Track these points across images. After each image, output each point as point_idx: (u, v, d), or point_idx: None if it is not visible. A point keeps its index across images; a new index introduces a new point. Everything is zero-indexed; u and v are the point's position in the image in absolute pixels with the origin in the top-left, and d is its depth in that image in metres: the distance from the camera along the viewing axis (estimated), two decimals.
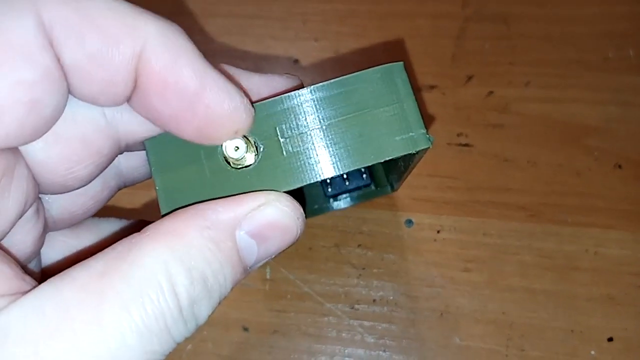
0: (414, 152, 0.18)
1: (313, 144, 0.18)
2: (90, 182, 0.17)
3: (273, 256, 0.17)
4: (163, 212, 0.17)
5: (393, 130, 0.18)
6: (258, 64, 0.37)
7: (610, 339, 0.29)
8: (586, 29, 0.36)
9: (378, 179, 0.32)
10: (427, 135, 0.18)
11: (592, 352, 0.29)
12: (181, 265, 0.14)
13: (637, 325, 0.30)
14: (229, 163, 0.17)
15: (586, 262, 0.31)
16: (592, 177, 0.33)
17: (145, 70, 0.15)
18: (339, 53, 0.37)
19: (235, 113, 0.16)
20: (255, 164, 0.17)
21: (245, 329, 0.30)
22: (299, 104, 0.18)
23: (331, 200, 0.32)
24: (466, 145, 0.34)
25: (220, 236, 0.15)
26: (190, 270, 0.14)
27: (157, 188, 0.17)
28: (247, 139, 0.17)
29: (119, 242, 0.14)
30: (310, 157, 0.18)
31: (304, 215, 0.17)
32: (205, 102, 0.15)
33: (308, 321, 0.30)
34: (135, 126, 0.17)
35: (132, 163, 0.19)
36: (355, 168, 0.17)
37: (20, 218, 0.15)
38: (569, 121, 0.35)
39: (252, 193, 0.16)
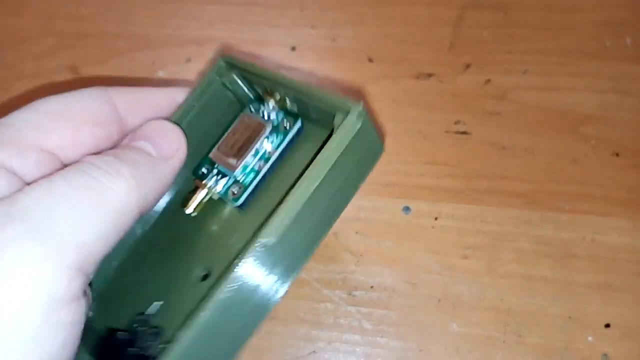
0: None
1: None
2: None
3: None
4: None
5: None
6: (255, 51, 0.37)
7: (607, 325, 0.29)
8: (584, 18, 0.36)
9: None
10: None
11: (590, 339, 0.29)
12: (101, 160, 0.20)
13: (635, 311, 0.30)
14: None
15: (584, 249, 0.31)
16: (589, 165, 0.33)
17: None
18: (336, 40, 0.37)
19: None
20: None
21: None
22: None
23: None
24: (464, 133, 0.34)
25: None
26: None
27: None
28: None
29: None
30: None
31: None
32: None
33: (305, 307, 0.30)
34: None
35: None
36: None
37: None
38: (567, 109, 0.35)
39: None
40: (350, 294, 0.30)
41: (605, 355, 0.29)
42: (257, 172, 0.25)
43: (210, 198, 0.26)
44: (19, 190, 0.18)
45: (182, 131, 0.24)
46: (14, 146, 0.20)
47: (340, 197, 0.23)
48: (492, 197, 0.32)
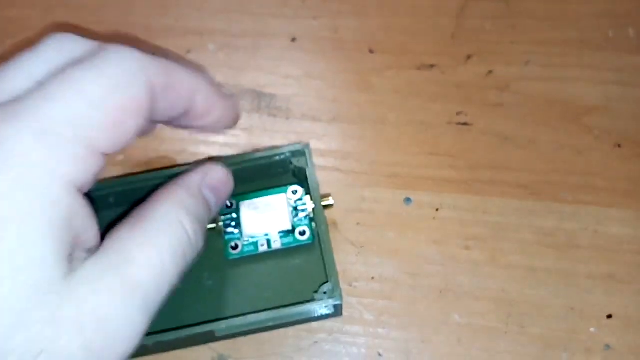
0: None
1: None
2: None
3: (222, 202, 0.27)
4: None
5: None
6: (256, 42, 0.37)
7: (609, 316, 0.29)
8: (587, 8, 0.36)
9: None
10: None
11: (592, 329, 0.29)
12: (185, 211, 0.22)
13: (637, 302, 0.29)
14: None
15: (587, 240, 0.31)
16: (592, 156, 0.33)
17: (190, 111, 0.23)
18: (338, 32, 0.37)
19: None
20: None
21: None
22: None
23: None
24: (466, 124, 0.34)
25: (196, 194, 0.24)
26: (191, 214, 0.22)
27: None
28: None
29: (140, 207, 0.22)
30: None
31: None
32: (225, 117, 0.24)
33: None
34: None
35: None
36: None
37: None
38: (570, 100, 0.34)
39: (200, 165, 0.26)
40: (351, 285, 0.30)
41: (607, 346, 0.29)
42: (257, 249, 0.30)
43: (215, 229, 0.30)
44: None
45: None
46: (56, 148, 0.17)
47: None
48: (495, 188, 0.32)
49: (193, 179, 0.24)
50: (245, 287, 0.29)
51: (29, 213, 0.16)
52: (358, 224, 0.32)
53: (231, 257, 0.30)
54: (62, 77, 0.18)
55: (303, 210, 0.30)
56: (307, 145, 0.30)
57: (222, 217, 0.30)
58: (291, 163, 0.31)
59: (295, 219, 0.30)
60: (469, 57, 0.35)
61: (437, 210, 0.32)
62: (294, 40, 0.37)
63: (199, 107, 0.22)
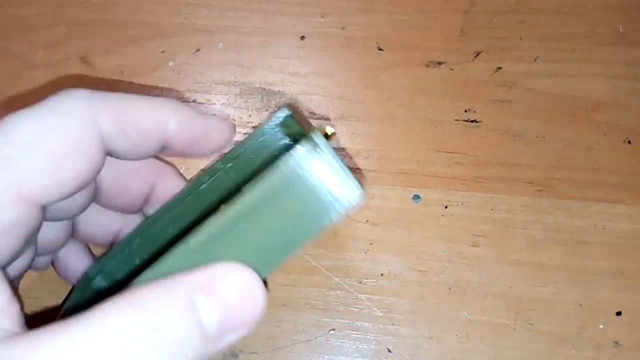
0: None
1: None
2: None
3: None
4: None
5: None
6: (265, 40, 0.37)
7: (619, 313, 0.29)
8: (596, 3, 0.36)
9: None
10: None
11: (601, 326, 0.29)
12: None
13: None
14: None
15: (595, 236, 0.31)
16: (601, 151, 0.33)
17: (171, 141, 0.21)
18: (346, 29, 0.37)
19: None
20: None
21: None
22: None
23: None
24: (474, 121, 0.34)
25: (179, 302, 0.15)
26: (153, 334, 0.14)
27: None
28: None
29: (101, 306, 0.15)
30: None
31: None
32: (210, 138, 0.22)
33: (316, 295, 0.30)
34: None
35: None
36: None
37: None
38: (578, 96, 0.34)
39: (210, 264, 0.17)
40: (360, 282, 0.31)
41: (616, 342, 0.29)
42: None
43: None
44: None
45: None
46: None
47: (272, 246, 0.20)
48: (503, 184, 0.32)
49: (182, 284, 0.16)
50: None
51: None
52: (367, 221, 0.32)
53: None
54: None
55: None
56: (286, 106, 0.25)
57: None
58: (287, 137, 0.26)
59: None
60: (477, 53, 0.35)
61: (445, 207, 0.32)
62: (303, 38, 0.37)
63: (178, 137, 0.21)
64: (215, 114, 0.24)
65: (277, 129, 0.25)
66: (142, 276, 0.19)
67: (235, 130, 0.24)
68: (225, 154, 0.26)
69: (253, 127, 0.34)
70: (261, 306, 0.17)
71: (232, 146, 0.25)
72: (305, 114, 0.35)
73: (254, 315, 0.17)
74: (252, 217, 0.18)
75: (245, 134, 0.34)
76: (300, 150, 0.18)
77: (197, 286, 0.16)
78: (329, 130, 0.22)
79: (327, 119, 0.35)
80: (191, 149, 0.22)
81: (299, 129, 0.25)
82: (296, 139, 0.25)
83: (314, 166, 0.18)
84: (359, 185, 0.19)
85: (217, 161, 0.26)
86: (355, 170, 0.33)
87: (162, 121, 0.20)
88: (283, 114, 0.25)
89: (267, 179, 0.18)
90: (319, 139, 0.19)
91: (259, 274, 0.18)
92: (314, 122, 0.35)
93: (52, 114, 0.17)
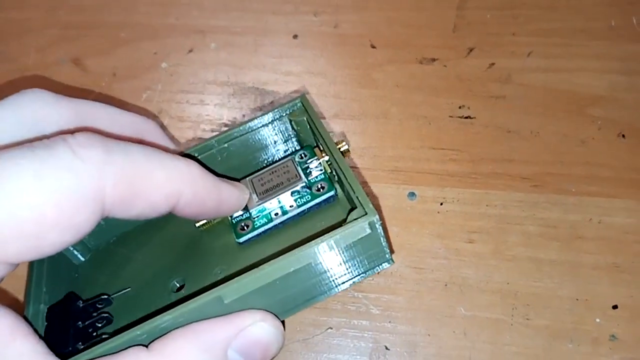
0: None
1: None
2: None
3: None
4: None
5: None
6: (257, 40, 0.37)
7: (615, 307, 0.29)
8: None
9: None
10: None
11: (597, 320, 0.29)
12: None
13: None
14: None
15: (591, 231, 0.31)
16: (596, 146, 0.33)
17: (176, 210, 0.20)
18: (339, 27, 0.37)
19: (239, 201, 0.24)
20: None
21: None
22: None
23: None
24: (468, 117, 0.34)
25: (215, 355, 0.18)
26: None
27: None
28: None
29: (124, 353, 0.18)
30: None
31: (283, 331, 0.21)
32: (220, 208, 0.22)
33: None
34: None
35: None
36: None
37: None
38: (573, 91, 0.34)
39: (240, 313, 0.19)
40: None
41: (613, 336, 0.29)
42: (270, 220, 0.25)
43: (222, 221, 0.26)
44: None
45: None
46: None
47: (322, 287, 0.22)
48: (498, 180, 0.32)
49: (218, 335, 0.19)
50: None
51: None
52: None
53: (242, 239, 0.25)
54: None
55: (317, 168, 0.26)
56: (303, 95, 0.27)
57: None
58: (291, 122, 0.27)
59: (310, 179, 0.26)
60: (470, 50, 0.35)
61: (440, 204, 0.32)
62: (295, 37, 0.37)
63: (187, 208, 0.20)
64: (230, 181, 0.23)
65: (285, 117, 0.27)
66: (175, 312, 0.19)
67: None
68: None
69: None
70: (279, 349, 0.20)
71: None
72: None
73: (272, 355, 0.20)
74: (289, 277, 0.20)
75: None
76: (355, 227, 0.20)
77: (228, 339, 0.19)
78: (344, 147, 0.25)
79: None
80: (195, 216, 0.21)
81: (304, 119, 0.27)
82: (300, 139, 0.28)
83: (373, 233, 0.21)
84: (390, 257, 0.23)
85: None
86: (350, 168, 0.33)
87: (174, 194, 0.19)
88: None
89: (315, 246, 0.20)
90: (375, 218, 0.20)
91: (279, 317, 0.21)
92: None
93: (55, 167, 0.16)
